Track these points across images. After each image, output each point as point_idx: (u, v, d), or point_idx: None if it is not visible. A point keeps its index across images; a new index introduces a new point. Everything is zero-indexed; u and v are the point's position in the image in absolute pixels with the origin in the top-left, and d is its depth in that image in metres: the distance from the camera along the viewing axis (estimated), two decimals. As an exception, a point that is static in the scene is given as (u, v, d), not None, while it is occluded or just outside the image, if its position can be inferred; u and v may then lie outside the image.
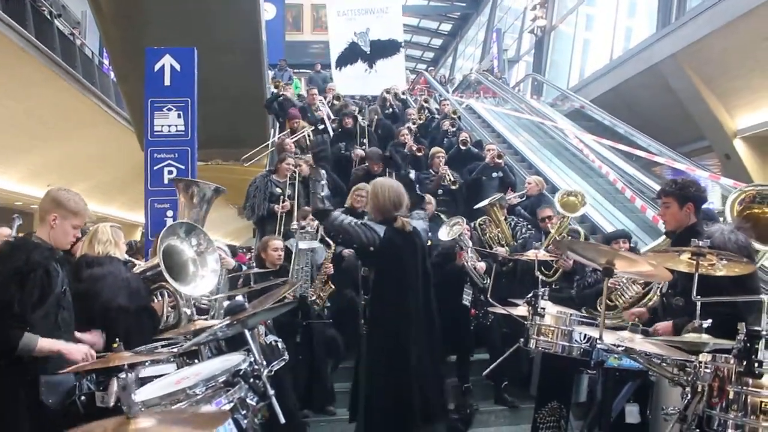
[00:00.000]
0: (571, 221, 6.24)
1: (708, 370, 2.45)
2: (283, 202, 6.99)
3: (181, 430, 1.81)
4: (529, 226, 6.55)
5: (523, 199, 7.70)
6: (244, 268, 6.38)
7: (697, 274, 2.77)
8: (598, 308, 4.79)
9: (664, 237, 4.98)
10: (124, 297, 3.47)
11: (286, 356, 3.57)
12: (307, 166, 7.69)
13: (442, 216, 6.25)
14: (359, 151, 8.97)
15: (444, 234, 5.60)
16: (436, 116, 11.33)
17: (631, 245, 5.75)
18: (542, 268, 5.61)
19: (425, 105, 11.79)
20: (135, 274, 3.83)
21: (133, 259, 4.39)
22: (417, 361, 3.81)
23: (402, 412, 3.76)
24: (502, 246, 6.23)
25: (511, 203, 7.22)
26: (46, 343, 2.87)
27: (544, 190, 8.08)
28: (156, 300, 3.84)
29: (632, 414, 3.84)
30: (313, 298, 5.43)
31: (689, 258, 2.83)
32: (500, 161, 8.27)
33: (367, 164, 8.07)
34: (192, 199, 4.42)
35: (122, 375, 2.36)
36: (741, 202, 4.26)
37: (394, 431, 3.77)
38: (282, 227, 6.91)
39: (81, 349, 2.95)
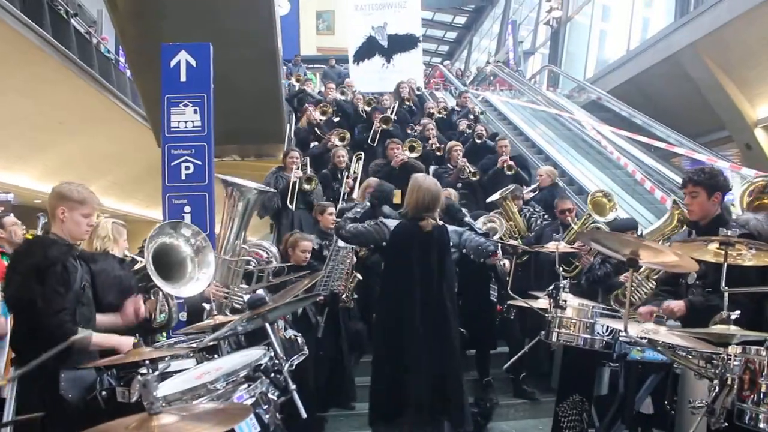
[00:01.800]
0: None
1: (738, 363, 2.39)
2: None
3: (203, 425, 1.79)
4: (545, 216, 6.50)
5: (536, 192, 7.62)
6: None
7: (725, 265, 2.71)
8: (611, 303, 4.75)
9: (665, 218, 4.94)
10: (114, 295, 3.45)
11: (306, 351, 3.56)
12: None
13: (464, 210, 6.20)
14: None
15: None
16: (457, 110, 11.26)
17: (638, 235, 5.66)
18: (562, 264, 5.56)
19: (445, 110, 11.69)
20: (129, 273, 3.81)
21: (135, 256, 4.38)
22: (420, 354, 3.86)
23: (397, 401, 3.85)
24: (515, 238, 6.18)
25: (524, 198, 7.16)
26: (101, 339, 2.94)
27: (557, 179, 7.99)
28: (152, 298, 3.82)
29: (646, 405, 3.81)
30: (343, 296, 5.43)
31: (717, 248, 2.77)
32: (510, 172, 8.15)
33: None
34: (233, 200, 4.40)
35: (143, 372, 2.35)
36: (750, 193, 4.18)
37: (390, 418, 3.90)
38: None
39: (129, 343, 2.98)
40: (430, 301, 3.93)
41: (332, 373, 5.46)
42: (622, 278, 4.70)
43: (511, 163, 8.20)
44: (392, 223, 4.02)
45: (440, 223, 4.10)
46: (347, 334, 5.55)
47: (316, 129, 9.74)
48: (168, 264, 3.54)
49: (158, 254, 3.49)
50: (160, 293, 3.67)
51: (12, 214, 5.73)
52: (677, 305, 3.33)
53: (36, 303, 2.84)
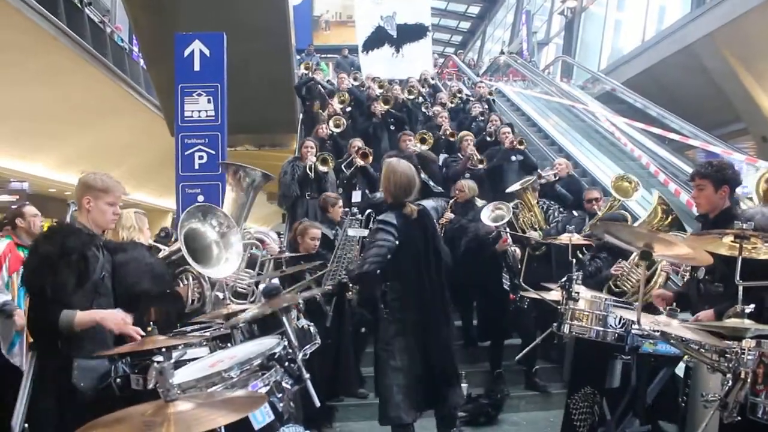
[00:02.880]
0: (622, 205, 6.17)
1: (752, 357, 2.38)
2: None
3: (219, 412, 1.81)
4: (561, 209, 6.48)
5: (557, 179, 7.59)
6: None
7: (740, 258, 2.69)
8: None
9: (649, 212, 4.92)
10: (147, 282, 3.49)
11: (318, 340, 3.58)
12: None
13: (478, 201, 6.22)
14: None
15: (486, 216, 5.58)
16: (471, 98, 11.25)
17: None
18: (585, 251, 5.55)
19: (458, 94, 11.66)
20: (159, 259, 3.86)
21: (158, 244, 4.42)
22: (438, 341, 3.95)
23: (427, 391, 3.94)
24: (535, 230, 6.17)
25: (548, 180, 7.18)
26: (83, 316, 2.89)
27: (572, 171, 7.99)
28: (181, 284, 3.86)
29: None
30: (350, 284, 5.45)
31: (732, 241, 2.75)
32: (521, 147, 8.17)
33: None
34: (240, 184, 4.42)
35: (159, 359, 2.37)
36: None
37: (416, 403, 3.93)
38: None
39: (116, 315, 2.96)
40: (437, 287, 4.00)
41: (336, 362, 5.48)
42: (612, 270, 4.70)
43: (516, 143, 8.22)
44: (392, 217, 4.00)
45: (420, 205, 4.10)
46: (353, 321, 5.58)
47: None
48: (194, 249, 3.57)
49: (186, 239, 3.53)
50: (190, 278, 3.71)
51: (28, 203, 5.77)
52: (705, 317, 3.31)
53: (46, 290, 2.87)
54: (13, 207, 5.59)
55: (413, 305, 3.96)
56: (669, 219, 4.73)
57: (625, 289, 4.50)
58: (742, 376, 2.38)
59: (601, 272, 4.99)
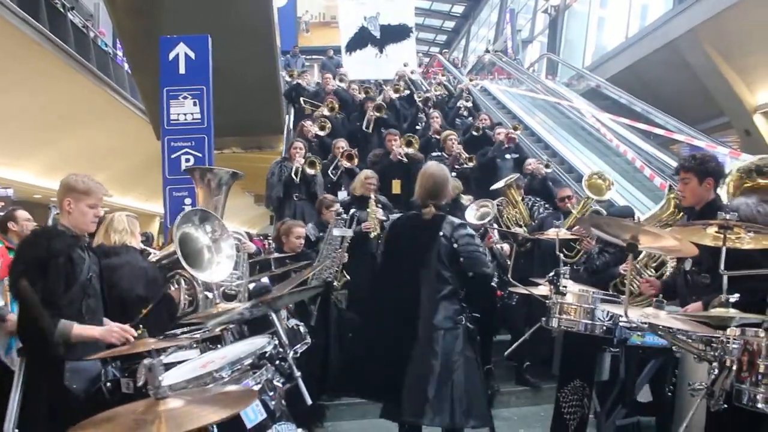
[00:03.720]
0: (594, 204, 6.17)
1: (736, 345, 2.41)
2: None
3: (210, 409, 1.81)
4: (546, 205, 6.52)
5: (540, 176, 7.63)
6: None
7: (724, 248, 2.73)
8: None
9: (662, 204, 4.95)
10: (142, 287, 3.49)
11: (308, 339, 3.59)
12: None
13: (463, 198, 6.24)
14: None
15: (471, 215, 5.59)
16: (455, 92, 11.30)
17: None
18: (564, 250, 5.56)
19: (443, 81, 11.69)
20: (152, 263, 3.86)
21: (148, 248, 4.41)
22: (381, 336, 3.82)
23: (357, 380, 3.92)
24: (520, 226, 6.20)
25: (540, 174, 7.36)
26: (81, 330, 2.90)
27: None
28: (172, 288, 3.86)
29: (643, 393, 3.85)
30: (336, 284, 5.46)
31: (716, 232, 2.79)
32: (515, 135, 8.23)
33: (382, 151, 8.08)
34: (209, 186, 4.43)
35: (148, 357, 2.38)
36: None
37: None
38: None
39: (113, 330, 2.96)
40: (404, 286, 3.84)
41: (323, 361, 5.46)
42: (621, 269, 4.71)
43: (513, 135, 8.28)
44: (395, 215, 4.10)
45: (441, 213, 3.95)
46: (339, 322, 5.59)
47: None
48: (186, 253, 3.56)
49: (179, 243, 3.52)
50: (182, 282, 3.70)
51: (20, 207, 5.72)
52: (695, 309, 3.34)
53: (36, 293, 2.86)
54: (5, 210, 5.55)
55: (373, 302, 4.06)
56: (681, 214, 4.68)
57: (631, 289, 4.50)
58: (728, 364, 2.41)
59: (609, 268, 4.99)
